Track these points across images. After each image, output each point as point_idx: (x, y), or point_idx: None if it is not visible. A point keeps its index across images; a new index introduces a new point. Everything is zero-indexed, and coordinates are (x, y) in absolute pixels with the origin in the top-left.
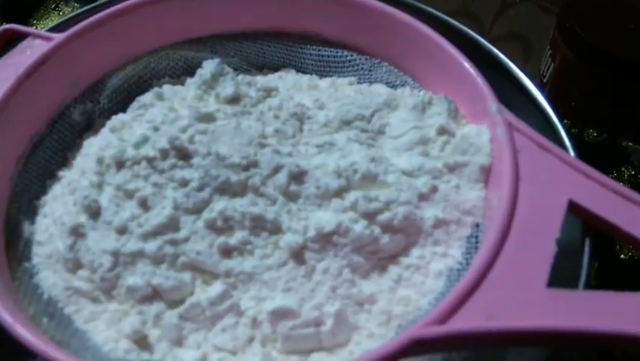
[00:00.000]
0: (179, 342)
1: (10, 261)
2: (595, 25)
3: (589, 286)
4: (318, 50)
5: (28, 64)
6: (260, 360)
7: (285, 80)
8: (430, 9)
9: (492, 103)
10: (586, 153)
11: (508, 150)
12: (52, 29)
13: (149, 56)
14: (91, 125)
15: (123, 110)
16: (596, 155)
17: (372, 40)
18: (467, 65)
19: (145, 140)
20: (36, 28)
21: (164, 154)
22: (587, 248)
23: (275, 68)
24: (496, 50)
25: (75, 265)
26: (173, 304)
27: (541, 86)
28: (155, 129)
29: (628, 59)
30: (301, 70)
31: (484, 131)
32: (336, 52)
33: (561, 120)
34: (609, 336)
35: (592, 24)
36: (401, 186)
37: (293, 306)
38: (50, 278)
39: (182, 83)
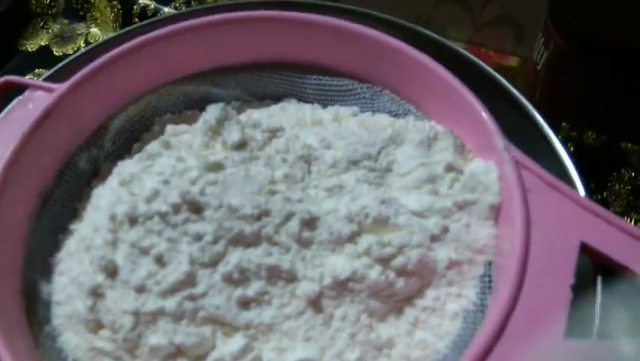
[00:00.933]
0: None
1: (32, 326)
2: (587, 12)
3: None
4: (319, 80)
5: (32, 119)
6: None
7: (289, 114)
8: (429, 32)
9: (499, 139)
10: (586, 156)
11: (518, 191)
12: (50, 77)
13: (150, 94)
14: (97, 172)
15: (127, 151)
16: (596, 158)
17: (372, 69)
18: (471, 98)
19: (156, 194)
20: (26, 48)
21: (177, 209)
22: (599, 289)
23: (276, 98)
24: (490, 70)
25: (96, 326)
26: (197, 359)
27: (534, 74)
28: (166, 183)
29: (622, 46)
30: (303, 99)
31: (492, 169)
32: (337, 80)
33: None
34: None
35: (584, 10)
36: (412, 228)
37: (314, 357)
38: (73, 340)
39: (185, 118)
